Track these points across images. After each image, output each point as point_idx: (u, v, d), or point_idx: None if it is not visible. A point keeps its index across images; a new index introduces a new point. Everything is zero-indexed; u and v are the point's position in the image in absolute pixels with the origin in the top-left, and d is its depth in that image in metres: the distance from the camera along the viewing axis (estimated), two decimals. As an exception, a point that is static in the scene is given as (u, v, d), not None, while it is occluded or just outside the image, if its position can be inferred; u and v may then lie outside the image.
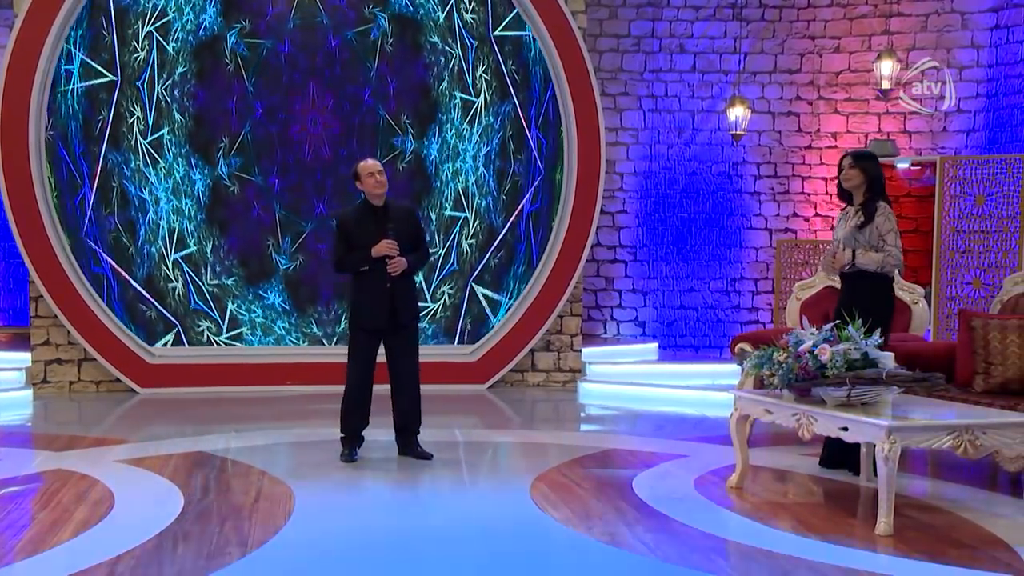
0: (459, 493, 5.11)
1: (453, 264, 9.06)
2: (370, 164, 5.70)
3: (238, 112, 8.77)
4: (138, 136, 8.60)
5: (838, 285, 6.61)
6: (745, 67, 10.61)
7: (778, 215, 10.75)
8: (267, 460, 5.74)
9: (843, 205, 5.68)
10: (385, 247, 5.58)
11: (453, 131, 9.04)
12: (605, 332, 10.77)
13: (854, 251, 5.38)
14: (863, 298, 5.31)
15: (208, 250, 8.76)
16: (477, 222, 9.12)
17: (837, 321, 4.81)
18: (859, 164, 5.45)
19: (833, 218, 10.23)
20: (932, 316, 8.81)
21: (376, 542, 4.24)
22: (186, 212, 8.73)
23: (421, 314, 6.80)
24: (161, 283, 8.71)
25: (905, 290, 6.99)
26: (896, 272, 6.98)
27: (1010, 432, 4.35)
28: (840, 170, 5.53)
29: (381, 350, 5.80)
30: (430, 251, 6.32)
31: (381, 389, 5.81)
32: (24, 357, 8.58)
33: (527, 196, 9.10)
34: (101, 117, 8.51)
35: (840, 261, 5.44)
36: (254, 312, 8.86)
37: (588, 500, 4.88)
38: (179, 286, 8.70)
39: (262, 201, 8.85)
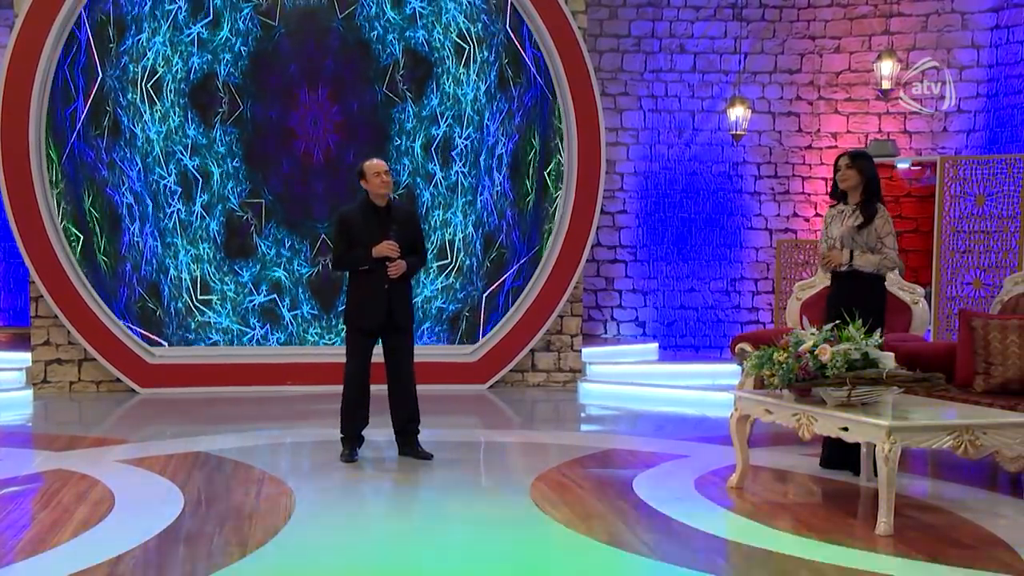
0: (459, 493, 5.10)
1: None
2: (376, 164, 5.70)
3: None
4: (140, 72, 8.62)
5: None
6: (745, 67, 10.61)
7: (778, 215, 10.75)
8: (267, 460, 5.74)
9: (833, 202, 5.68)
10: (386, 248, 5.58)
11: (450, 80, 9.01)
12: (605, 332, 10.77)
13: (852, 252, 5.39)
14: (857, 297, 5.32)
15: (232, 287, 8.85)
16: (460, 279, 9.15)
17: (837, 322, 4.80)
18: (856, 164, 5.46)
19: (833, 218, 10.22)
20: (932, 316, 8.81)
21: (376, 542, 4.25)
22: (205, 256, 8.76)
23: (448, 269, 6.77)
24: (193, 336, 8.83)
25: (905, 290, 6.99)
26: (897, 272, 7.01)
27: (1010, 432, 4.35)
28: (836, 170, 5.54)
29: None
30: (427, 256, 6.34)
31: (380, 389, 5.81)
32: (24, 357, 8.58)
33: (511, 271, 9.11)
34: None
35: (836, 260, 5.45)
36: (227, 284, 8.86)
37: (588, 500, 4.88)
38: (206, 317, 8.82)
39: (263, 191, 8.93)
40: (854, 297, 5.33)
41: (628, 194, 10.76)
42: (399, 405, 5.81)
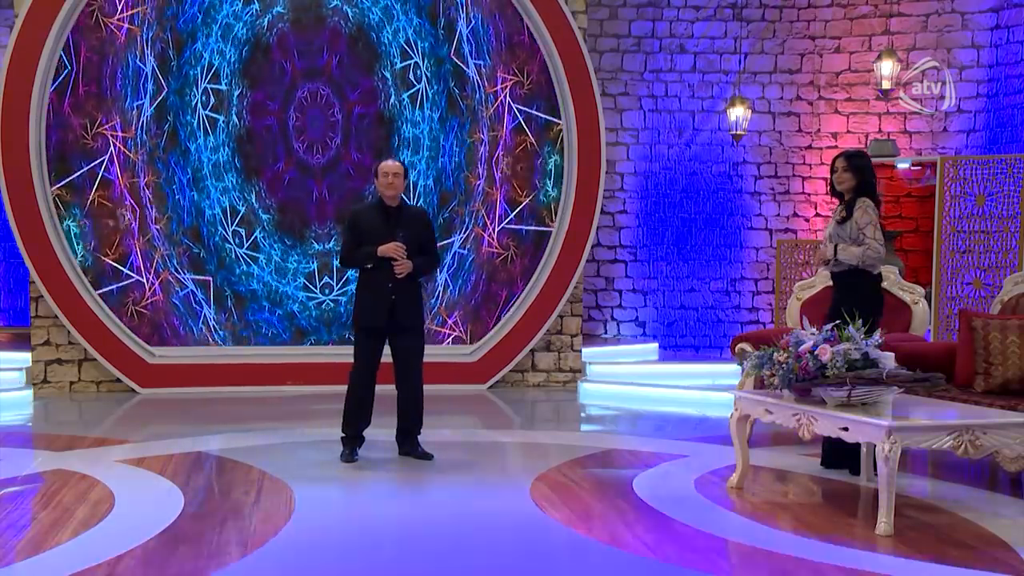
0: (459, 493, 5.10)
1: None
2: (387, 165, 5.74)
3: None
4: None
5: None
6: (745, 67, 10.62)
7: (778, 215, 10.75)
8: (267, 460, 5.74)
9: (836, 202, 5.70)
10: (392, 248, 5.60)
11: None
12: (605, 332, 10.77)
13: (836, 246, 5.40)
14: (851, 296, 5.34)
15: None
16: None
17: (837, 322, 4.80)
18: (852, 166, 5.45)
19: (833, 218, 10.23)
20: (932, 316, 8.81)
21: (376, 542, 4.24)
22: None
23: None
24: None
25: (905, 290, 6.99)
26: (896, 271, 7.01)
27: (1010, 432, 4.35)
28: (833, 171, 5.54)
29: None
30: (439, 257, 6.25)
31: (383, 390, 5.82)
32: (24, 357, 8.58)
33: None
34: None
35: (823, 256, 5.50)
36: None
37: (588, 500, 4.88)
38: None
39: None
40: (849, 295, 5.35)
41: (628, 194, 10.76)
42: (405, 406, 5.82)
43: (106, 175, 8.49)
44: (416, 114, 8.94)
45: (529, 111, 9.00)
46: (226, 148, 8.73)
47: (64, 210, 8.38)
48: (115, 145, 8.48)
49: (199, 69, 8.63)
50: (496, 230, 9.04)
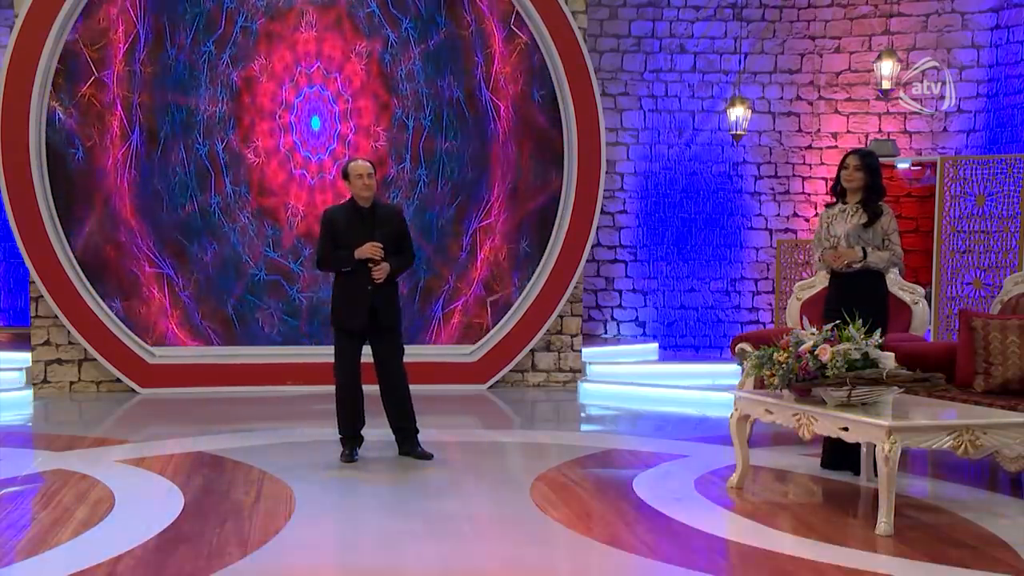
0: (459, 493, 5.10)
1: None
2: (360, 165, 5.68)
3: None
4: None
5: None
6: (745, 67, 10.62)
7: (778, 215, 10.75)
8: (267, 460, 5.74)
9: (831, 200, 5.66)
10: (369, 250, 5.57)
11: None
12: (605, 332, 10.77)
13: (864, 249, 5.36)
14: (862, 296, 5.31)
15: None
16: None
17: (837, 321, 4.79)
18: (865, 165, 5.43)
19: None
20: (932, 316, 8.81)
21: (376, 542, 4.24)
22: None
23: None
24: None
25: (905, 290, 6.99)
26: (897, 272, 7.01)
27: (1010, 432, 4.35)
28: (843, 167, 5.49)
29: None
30: (415, 255, 6.16)
31: (376, 389, 5.82)
32: (24, 357, 8.58)
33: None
34: None
35: (849, 257, 5.38)
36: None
37: (588, 500, 4.88)
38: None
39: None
40: (859, 296, 5.30)
41: (628, 194, 10.76)
42: (392, 405, 5.83)
43: (103, 79, 8.47)
44: (412, 64, 8.94)
45: (519, 15, 8.94)
46: (223, 105, 8.67)
47: (55, 91, 8.35)
48: (116, 62, 8.48)
49: (198, 125, 8.66)
50: (471, 301, 9.10)
